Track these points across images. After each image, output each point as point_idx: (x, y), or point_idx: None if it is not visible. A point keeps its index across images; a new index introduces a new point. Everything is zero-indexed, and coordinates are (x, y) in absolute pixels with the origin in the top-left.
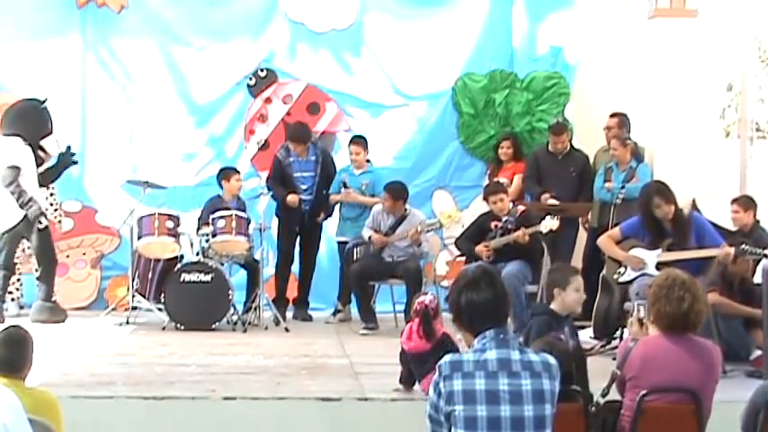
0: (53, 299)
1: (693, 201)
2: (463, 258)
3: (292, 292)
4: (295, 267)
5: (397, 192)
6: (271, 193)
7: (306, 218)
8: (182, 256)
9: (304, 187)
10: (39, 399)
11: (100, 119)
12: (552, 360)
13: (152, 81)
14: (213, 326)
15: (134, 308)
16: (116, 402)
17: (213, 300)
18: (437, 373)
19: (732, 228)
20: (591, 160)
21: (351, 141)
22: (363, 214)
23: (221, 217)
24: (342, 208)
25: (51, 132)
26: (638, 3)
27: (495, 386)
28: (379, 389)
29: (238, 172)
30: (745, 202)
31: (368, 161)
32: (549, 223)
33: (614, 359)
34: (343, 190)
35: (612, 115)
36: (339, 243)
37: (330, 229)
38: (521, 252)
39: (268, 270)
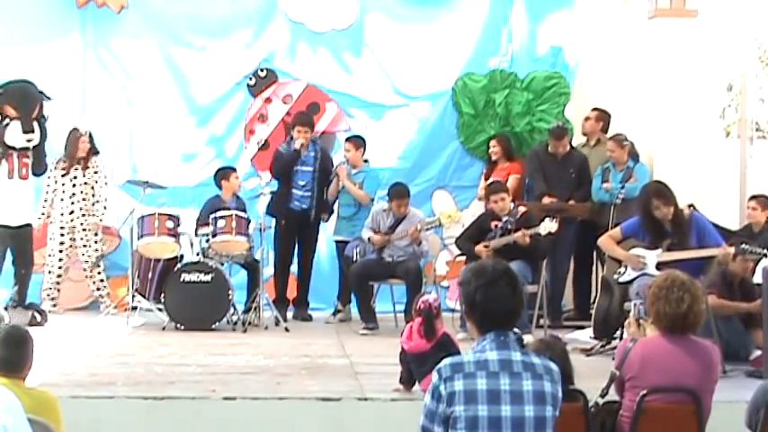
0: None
1: (692, 206)
2: (463, 258)
3: (292, 292)
4: (294, 267)
5: (403, 192)
6: (272, 191)
7: (304, 216)
8: (182, 256)
9: (302, 183)
10: (39, 399)
11: (100, 119)
12: (554, 366)
13: (152, 81)
14: (213, 326)
15: (134, 308)
16: (116, 402)
17: (213, 300)
18: (436, 376)
19: (732, 228)
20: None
21: (346, 139)
22: (359, 213)
23: (221, 217)
24: (339, 207)
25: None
26: (638, 3)
27: (497, 386)
28: (379, 389)
29: (235, 170)
30: (764, 201)
31: (366, 161)
32: (549, 225)
33: (614, 359)
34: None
35: (594, 109)
36: (337, 242)
37: (329, 228)
38: (521, 252)
39: (268, 270)
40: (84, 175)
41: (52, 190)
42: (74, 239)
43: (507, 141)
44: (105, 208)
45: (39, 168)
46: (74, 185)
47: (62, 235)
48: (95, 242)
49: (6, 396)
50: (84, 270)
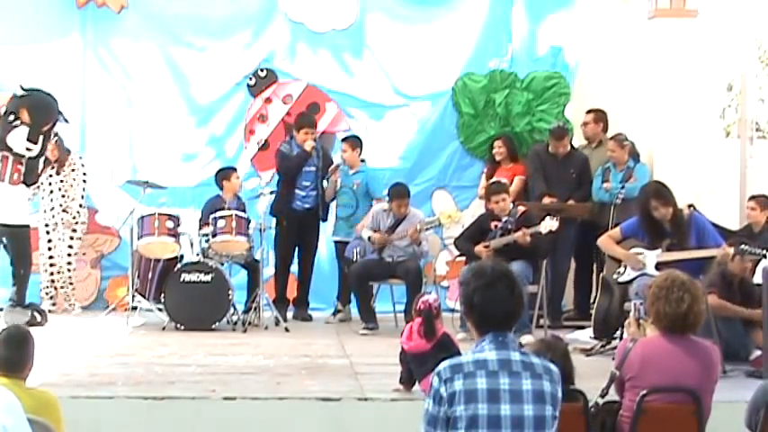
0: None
1: (692, 206)
2: (463, 258)
3: (292, 292)
4: (294, 267)
5: (403, 193)
6: (272, 191)
7: (307, 215)
8: (182, 256)
9: (306, 183)
10: (39, 399)
11: (100, 119)
12: (554, 367)
13: (152, 81)
14: (213, 326)
15: (134, 308)
16: (116, 402)
17: (213, 300)
18: (436, 380)
19: (732, 228)
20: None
21: (342, 140)
22: (356, 214)
23: (221, 217)
24: (337, 208)
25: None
26: (638, 3)
27: (496, 385)
28: (379, 389)
29: (236, 170)
30: (763, 202)
31: (362, 161)
32: (549, 224)
33: (614, 359)
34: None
35: (589, 111)
36: (336, 243)
37: (328, 228)
38: (521, 252)
39: (268, 270)
40: (58, 173)
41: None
42: (51, 233)
43: (512, 142)
44: (81, 206)
45: (30, 179)
46: (50, 184)
47: (47, 233)
48: (70, 238)
49: (6, 396)
50: (53, 265)
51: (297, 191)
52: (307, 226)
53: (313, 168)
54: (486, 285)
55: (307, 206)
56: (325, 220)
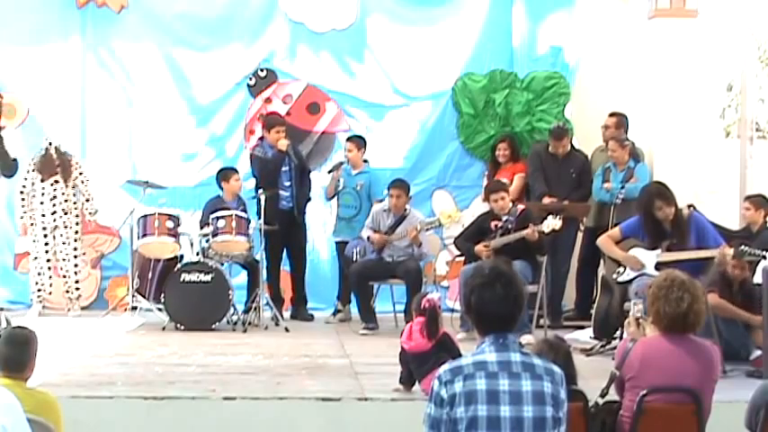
0: None
1: (692, 206)
2: (463, 258)
3: (290, 291)
4: (289, 268)
5: (401, 185)
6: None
7: (290, 215)
8: (182, 256)
9: (287, 183)
10: (40, 400)
11: (100, 119)
12: (556, 368)
13: (152, 81)
14: (213, 326)
15: (134, 308)
16: (116, 402)
17: (213, 300)
18: (436, 383)
19: (732, 228)
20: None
21: (347, 139)
22: (358, 215)
23: (221, 217)
24: (338, 207)
25: None
26: (638, 3)
27: (496, 386)
28: (379, 389)
29: (237, 172)
30: (759, 201)
31: (365, 161)
32: (552, 223)
33: (614, 359)
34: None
35: (612, 114)
36: (337, 243)
37: (328, 228)
38: (521, 251)
39: None
40: (66, 180)
41: (29, 192)
42: (55, 238)
43: (515, 143)
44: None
45: (7, 170)
46: (54, 189)
47: (45, 236)
48: (74, 240)
49: (6, 396)
50: (61, 269)
51: (281, 192)
52: (291, 225)
53: (285, 168)
54: (482, 286)
55: (291, 205)
56: (302, 220)
